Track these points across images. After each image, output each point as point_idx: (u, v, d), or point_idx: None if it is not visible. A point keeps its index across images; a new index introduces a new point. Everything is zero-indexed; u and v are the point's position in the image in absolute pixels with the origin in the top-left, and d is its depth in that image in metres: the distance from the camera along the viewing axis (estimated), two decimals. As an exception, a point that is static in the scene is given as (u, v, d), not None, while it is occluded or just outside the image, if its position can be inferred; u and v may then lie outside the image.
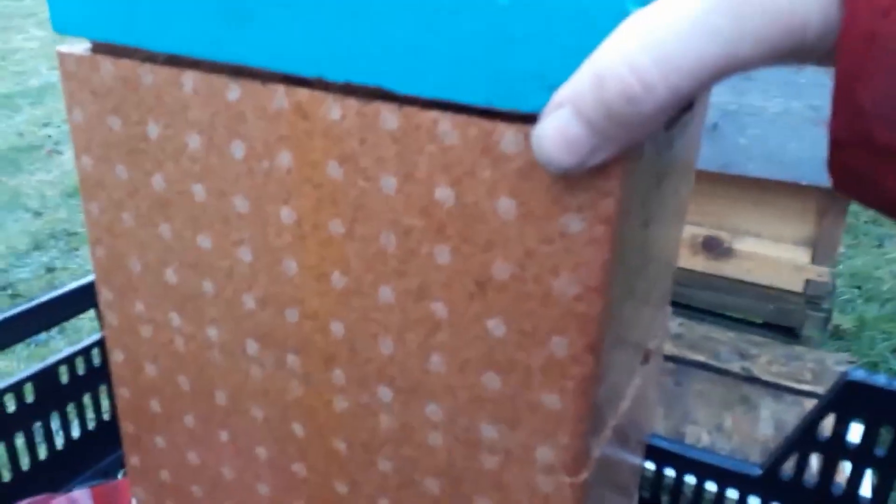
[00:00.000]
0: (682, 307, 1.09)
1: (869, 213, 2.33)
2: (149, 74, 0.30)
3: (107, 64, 0.31)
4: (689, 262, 1.04)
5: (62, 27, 0.32)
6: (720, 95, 0.94)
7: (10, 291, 1.82)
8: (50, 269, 1.94)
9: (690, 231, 1.06)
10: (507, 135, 0.24)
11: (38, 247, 2.06)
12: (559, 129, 0.21)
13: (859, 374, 0.51)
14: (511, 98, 0.23)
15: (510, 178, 0.25)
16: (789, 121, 0.90)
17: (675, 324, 1.09)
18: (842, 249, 2.10)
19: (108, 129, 0.33)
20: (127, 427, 0.41)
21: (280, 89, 0.28)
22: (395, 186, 0.27)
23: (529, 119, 0.24)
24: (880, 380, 0.51)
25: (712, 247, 1.02)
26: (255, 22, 0.27)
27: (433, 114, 0.25)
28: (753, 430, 0.83)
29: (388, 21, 0.25)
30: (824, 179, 0.92)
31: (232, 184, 0.31)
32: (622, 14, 0.20)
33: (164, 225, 0.33)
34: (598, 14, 0.21)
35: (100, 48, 0.32)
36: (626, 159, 0.23)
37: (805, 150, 0.91)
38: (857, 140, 0.18)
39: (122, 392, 0.40)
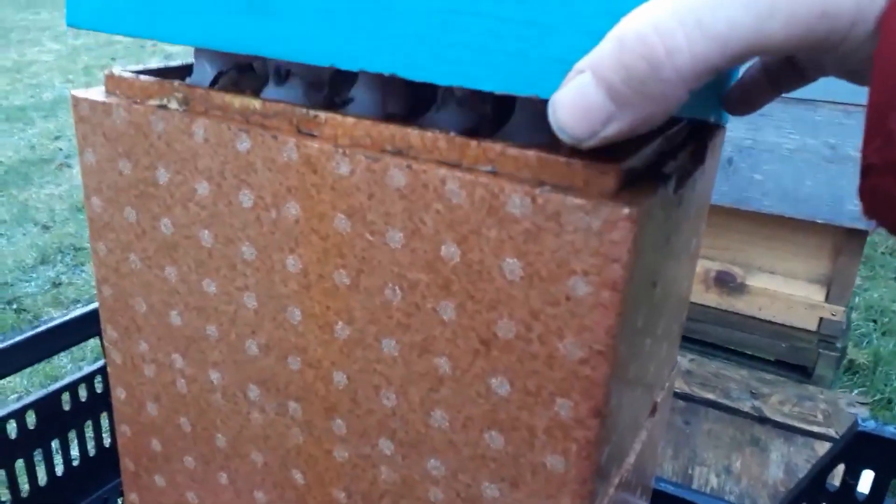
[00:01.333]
0: (695, 342, 1.08)
1: (887, 245, 2.30)
2: (160, 122, 0.31)
3: (119, 110, 0.32)
4: (702, 298, 1.03)
5: (78, 21, 0.32)
6: (735, 131, 0.94)
7: (15, 306, 1.83)
8: (56, 284, 1.95)
9: (704, 265, 1.05)
10: (514, 197, 0.24)
11: (44, 261, 2.08)
12: (576, 95, 0.20)
13: (869, 425, 0.50)
14: (531, 84, 0.23)
15: (516, 240, 0.24)
16: (805, 158, 0.89)
17: (687, 360, 1.08)
18: (858, 281, 2.07)
19: (119, 173, 0.33)
20: (127, 464, 0.41)
21: (290, 142, 0.28)
22: (401, 241, 0.27)
23: (536, 183, 0.24)
24: (890, 430, 0.50)
25: (725, 282, 1.01)
26: (269, 12, 0.27)
27: (441, 172, 0.25)
28: (763, 473, 0.82)
29: (405, 8, 0.24)
30: (840, 217, 0.92)
31: (239, 231, 0.31)
32: None
33: (170, 268, 0.33)
34: None
35: (113, 93, 0.33)
36: (633, 225, 0.23)
37: (821, 188, 0.90)
38: (888, 165, 0.18)
39: (123, 429, 0.40)
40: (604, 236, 0.23)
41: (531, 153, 0.24)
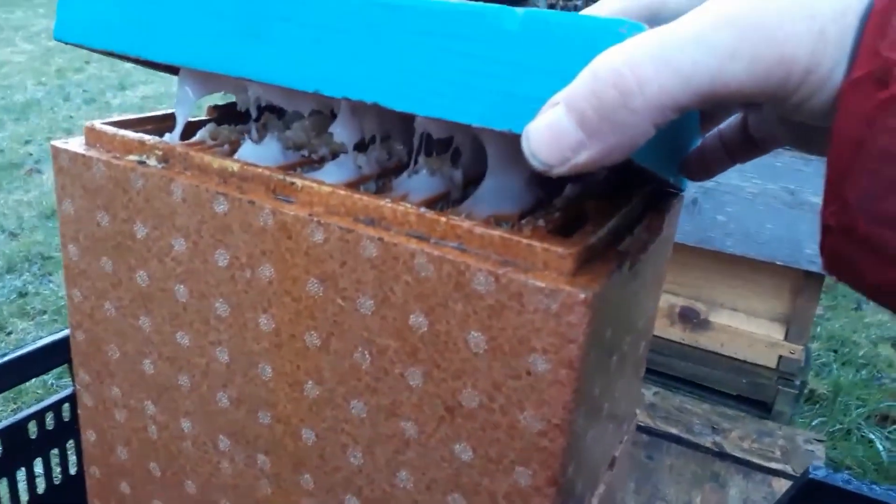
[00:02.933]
0: (659, 375, 1.10)
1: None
2: (139, 178, 0.31)
3: (99, 164, 0.32)
4: (666, 332, 1.06)
5: (65, 35, 0.32)
6: (701, 172, 0.96)
7: (-22, 317, 1.79)
8: (22, 294, 1.91)
9: (668, 300, 1.07)
10: (479, 275, 0.25)
11: (10, 269, 2.03)
12: (549, 124, 0.21)
13: (820, 473, 0.52)
14: (507, 119, 0.24)
15: (481, 315, 0.26)
16: (766, 201, 0.93)
17: (651, 393, 1.10)
18: (819, 311, 2.12)
19: (96, 224, 0.34)
20: (94, 505, 0.41)
21: (266, 208, 0.29)
22: (371, 308, 0.28)
23: (500, 262, 0.25)
24: (840, 478, 0.52)
25: (689, 317, 1.04)
26: (256, 37, 0.28)
27: (411, 246, 0.26)
28: (722, 509, 0.83)
29: (391, 41, 0.26)
30: (799, 260, 0.95)
31: (213, 288, 0.31)
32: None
33: (144, 318, 0.34)
34: (602, 42, 0.22)
35: (93, 146, 0.33)
36: (589, 309, 0.24)
37: (781, 231, 0.93)
38: (844, 228, 0.20)
39: (93, 471, 0.40)
40: (561, 318, 0.24)
41: (496, 233, 0.26)
